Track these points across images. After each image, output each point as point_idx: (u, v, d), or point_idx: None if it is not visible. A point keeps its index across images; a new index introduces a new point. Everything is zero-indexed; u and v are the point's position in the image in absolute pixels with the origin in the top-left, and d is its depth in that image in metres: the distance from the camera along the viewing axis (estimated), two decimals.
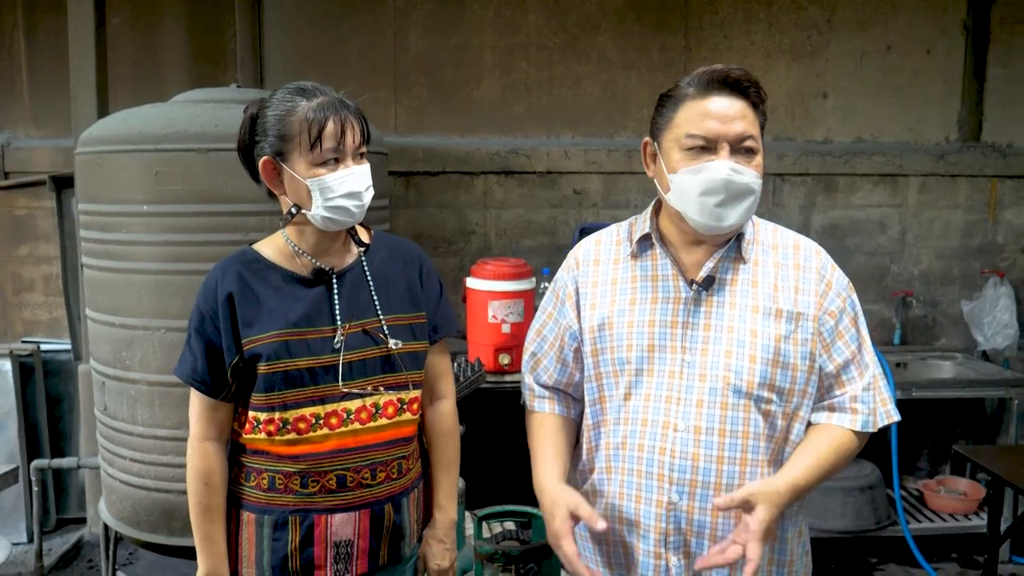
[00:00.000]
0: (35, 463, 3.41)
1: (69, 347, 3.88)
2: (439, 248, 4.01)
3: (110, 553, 3.06)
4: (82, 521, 3.88)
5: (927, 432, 4.27)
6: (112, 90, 3.58)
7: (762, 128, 1.55)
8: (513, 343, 3.23)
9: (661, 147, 1.56)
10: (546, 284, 3.56)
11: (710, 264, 1.58)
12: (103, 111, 3.42)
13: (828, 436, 1.57)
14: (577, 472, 1.76)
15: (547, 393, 1.73)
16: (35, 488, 3.39)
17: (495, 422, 3.64)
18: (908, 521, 3.66)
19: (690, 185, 1.50)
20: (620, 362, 1.58)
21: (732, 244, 1.59)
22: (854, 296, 1.63)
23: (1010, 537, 3.23)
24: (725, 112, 1.49)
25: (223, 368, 1.60)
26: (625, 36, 4.04)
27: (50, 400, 3.94)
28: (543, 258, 3.99)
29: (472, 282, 3.27)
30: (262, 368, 1.58)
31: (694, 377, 1.54)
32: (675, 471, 1.53)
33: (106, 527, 2.99)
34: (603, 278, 1.65)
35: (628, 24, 4.04)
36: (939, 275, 4.29)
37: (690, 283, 1.58)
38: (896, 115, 4.20)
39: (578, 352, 1.66)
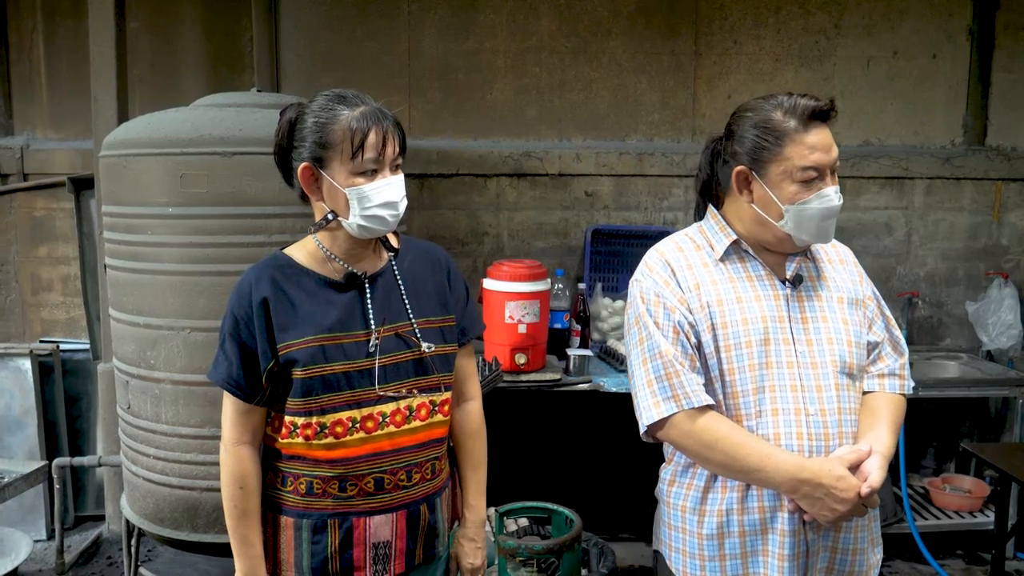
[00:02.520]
0: (57, 461, 3.46)
1: (87, 347, 3.94)
2: (452, 249, 4.05)
3: (132, 550, 3.10)
4: (100, 519, 3.92)
5: (932, 431, 4.33)
6: (130, 93, 3.62)
7: None
8: (530, 343, 3.28)
9: (766, 178, 1.68)
10: (560, 285, 3.61)
11: (792, 264, 1.75)
12: (123, 114, 3.47)
13: (891, 403, 1.79)
14: (681, 476, 1.79)
15: (703, 388, 1.69)
16: (57, 486, 3.44)
17: (512, 420, 3.69)
18: (914, 518, 3.72)
19: (811, 214, 1.66)
20: (741, 358, 1.69)
21: None
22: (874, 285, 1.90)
23: (1015, 534, 3.29)
24: (825, 142, 1.66)
25: (258, 372, 1.62)
26: (636, 41, 4.09)
27: (68, 399, 3.98)
28: (555, 259, 4.04)
29: (489, 283, 3.31)
30: (299, 373, 1.60)
31: (807, 365, 1.70)
32: (813, 452, 1.66)
33: (128, 524, 3.02)
34: (702, 279, 1.74)
35: (639, 29, 4.09)
36: (944, 276, 4.35)
37: (783, 281, 1.73)
38: (902, 119, 4.26)
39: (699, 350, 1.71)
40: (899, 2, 4.18)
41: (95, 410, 3.94)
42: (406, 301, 1.70)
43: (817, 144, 1.63)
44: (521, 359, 3.26)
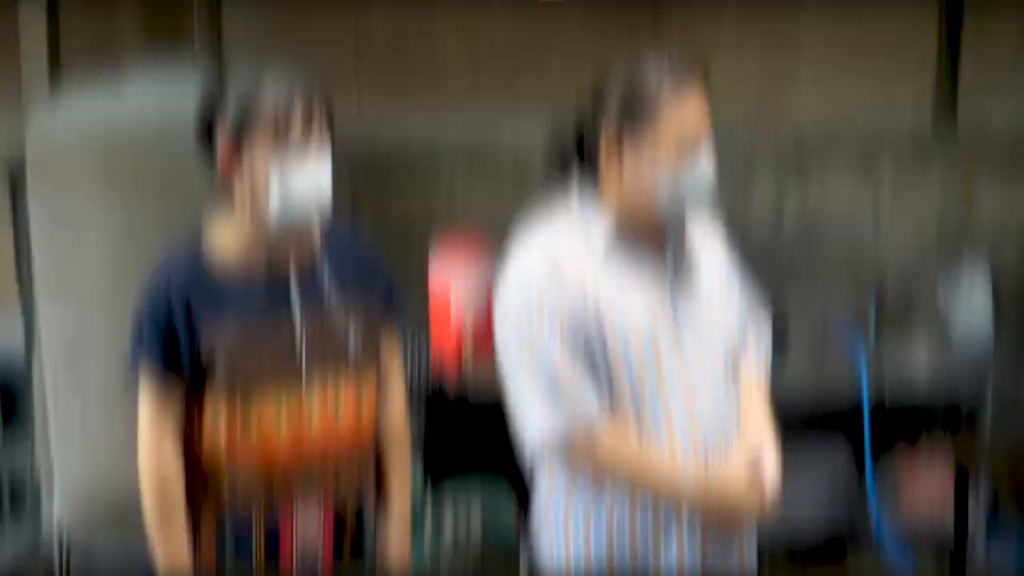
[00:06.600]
0: None
1: (18, 342, 3.78)
2: (401, 237, 3.87)
3: (64, 554, 3.00)
4: (31, 523, 3.79)
5: (895, 422, 4.26)
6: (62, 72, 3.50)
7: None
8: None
9: (638, 143, 1.68)
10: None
11: (673, 252, 1.69)
12: (56, 94, 3.32)
13: (755, 385, 1.80)
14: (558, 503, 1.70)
15: (594, 399, 1.60)
16: None
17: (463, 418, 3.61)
18: (876, 511, 3.65)
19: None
20: (626, 350, 1.58)
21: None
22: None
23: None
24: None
25: (179, 363, 1.56)
26: (593, 22, 4.00)
27: None
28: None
29: (440, 271, 3.27)
30: (221, 364, 1.55)
31: (696, 364, 1.66)
32: (708, 455, 1.64)
33: (59, 529, 2.94)
34: (588, 271, 1.62)
35: (596, 11, 3.99)
36: (913, 262, 4.23)
37: (664, 269, 1.66)
38: (869, 98, 4.16)
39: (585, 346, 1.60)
40: None
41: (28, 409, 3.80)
42: (333, 293, 1.67)
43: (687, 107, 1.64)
44: (470, 351, 3.15)
